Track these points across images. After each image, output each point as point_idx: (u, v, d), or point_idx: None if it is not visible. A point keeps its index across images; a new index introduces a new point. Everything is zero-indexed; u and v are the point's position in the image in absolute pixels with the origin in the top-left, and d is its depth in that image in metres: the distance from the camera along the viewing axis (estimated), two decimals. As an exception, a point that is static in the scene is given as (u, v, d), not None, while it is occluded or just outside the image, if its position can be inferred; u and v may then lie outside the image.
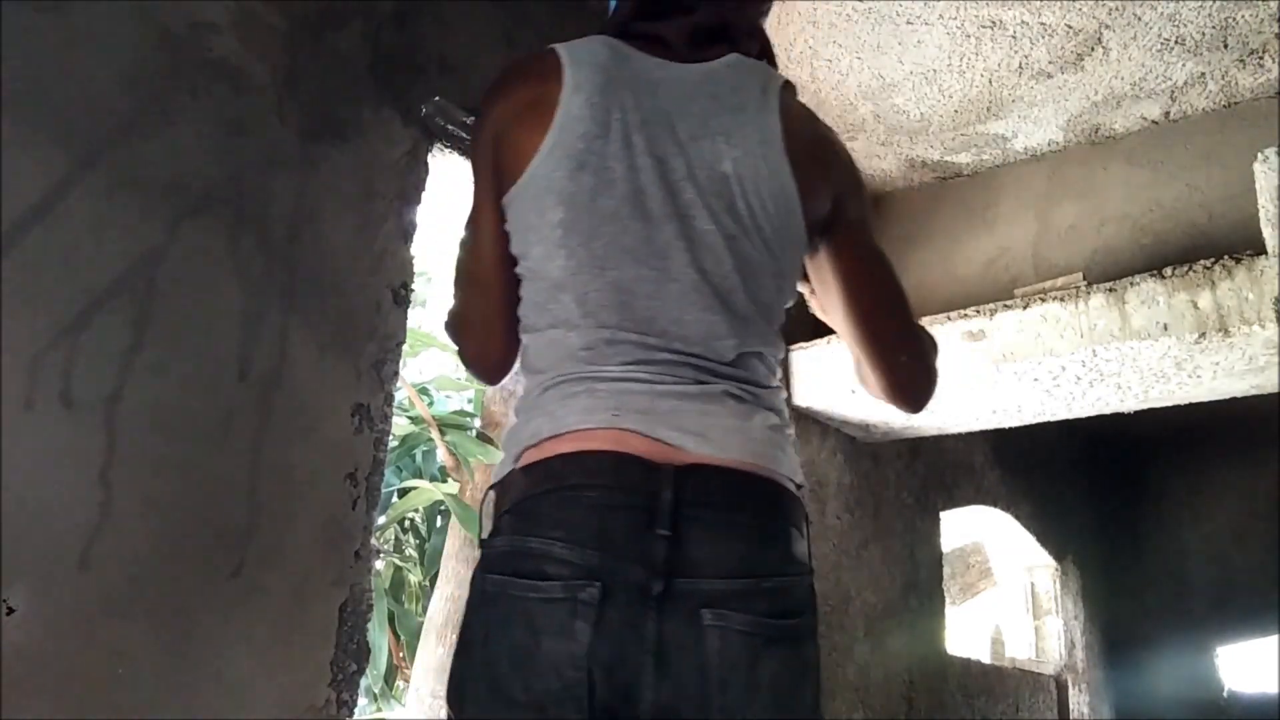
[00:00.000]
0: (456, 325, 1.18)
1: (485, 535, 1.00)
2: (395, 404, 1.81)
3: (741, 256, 1.04)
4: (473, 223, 1.13)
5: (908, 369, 1.19)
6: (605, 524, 0.91)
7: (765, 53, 1.22)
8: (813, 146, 1.13)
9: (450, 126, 1.91)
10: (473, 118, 1.59)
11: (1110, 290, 2.69)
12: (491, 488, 1.03)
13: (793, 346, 3.06)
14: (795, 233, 1.08)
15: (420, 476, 4.16)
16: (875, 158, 3.20)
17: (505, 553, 0.94)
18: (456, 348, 1.20)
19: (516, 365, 1.15)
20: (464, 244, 1.15)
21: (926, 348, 1.21)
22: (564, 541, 0.90)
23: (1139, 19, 2.51)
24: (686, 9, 1.14)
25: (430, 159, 1.91)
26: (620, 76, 1.07)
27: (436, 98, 1.88)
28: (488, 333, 1.13)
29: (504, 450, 1.04)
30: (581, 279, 1.01)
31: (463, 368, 1.23)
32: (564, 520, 0.92)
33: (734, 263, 1.03)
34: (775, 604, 0.92)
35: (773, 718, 0.90)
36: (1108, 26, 2.54)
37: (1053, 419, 3.32)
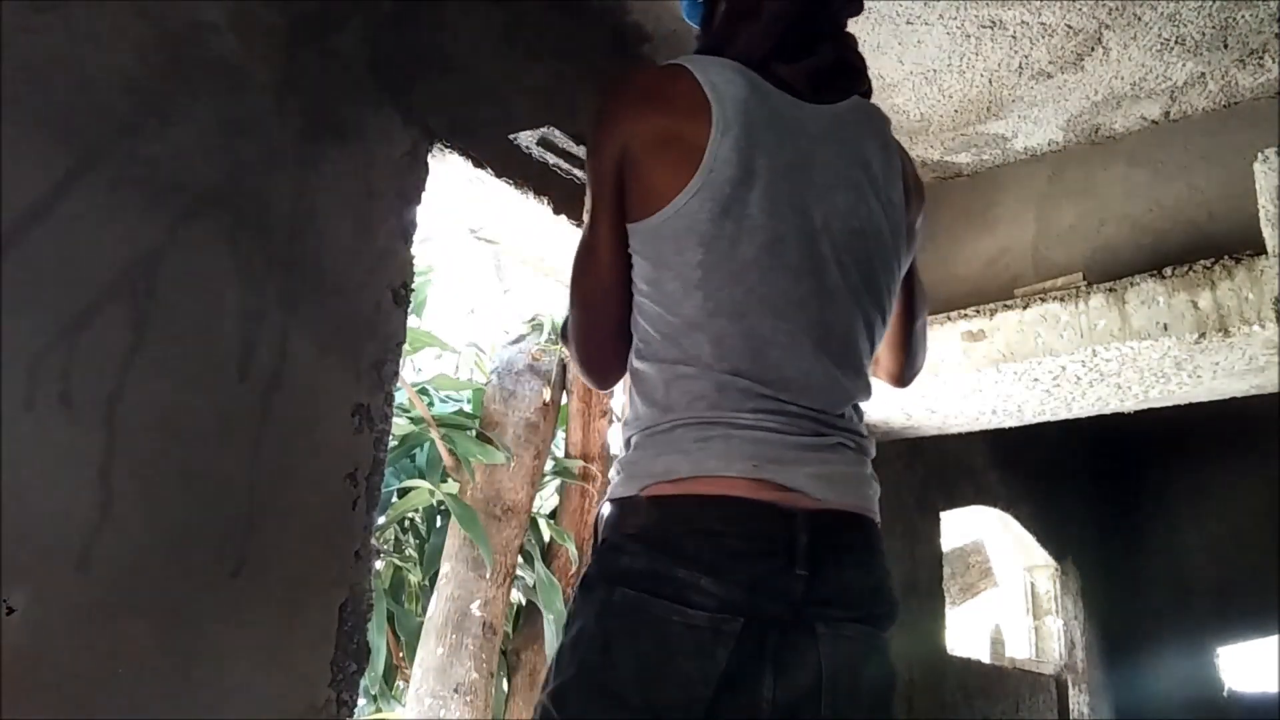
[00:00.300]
0: (573, 338, 1.20)
1: (602, 546, 1.07)
2: (395, 404, 1.81)
3: (863, 313, 1.13)
4: (593, 240, 1.14)
5: (921, 359, 1.45)
6: (750, 566, 1.00)
7: (868, 82, 1.25)
8: (913, 192, 1.25)
9: (552, 158, 1.84)
10: (581, 147, 1.52)
11: (1110, 290, 2.69)
12: (611, 502, 1.09)
13: (793, 346, 3.06)
14: (898, 284, 1.22)
15: (421, 477, 4.16)
16: (875, 158, 3.19)
17: (644, 572, 1.01)
18: (570, 353, 1.23)
19: (624, 384, 1.20)
20: (582, 261, 1.16)
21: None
22: (710, 576, 0.99)
23: (1139, 19, 2.50)
24: (810, 50, 1.16)
25: (430, 159, 1.92)
26: (762, 117, 1.09)
27: (545, 127, 1.80)
28: (603, 351, 1.17)
29: (624, 474, 1.09)
30: (718, 323, 1.06)
31: (577, 370, 1.25)
32: (707, 559, 1.00)
33: (856, 319, 1.13)
34: (878, 622, 1.08)
35: (873, 716, 1.04)
36: (1108, 26, 2.54)
37: (1053, 419, 3.32)
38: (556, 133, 1.88)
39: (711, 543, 1.01)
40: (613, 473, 1.12)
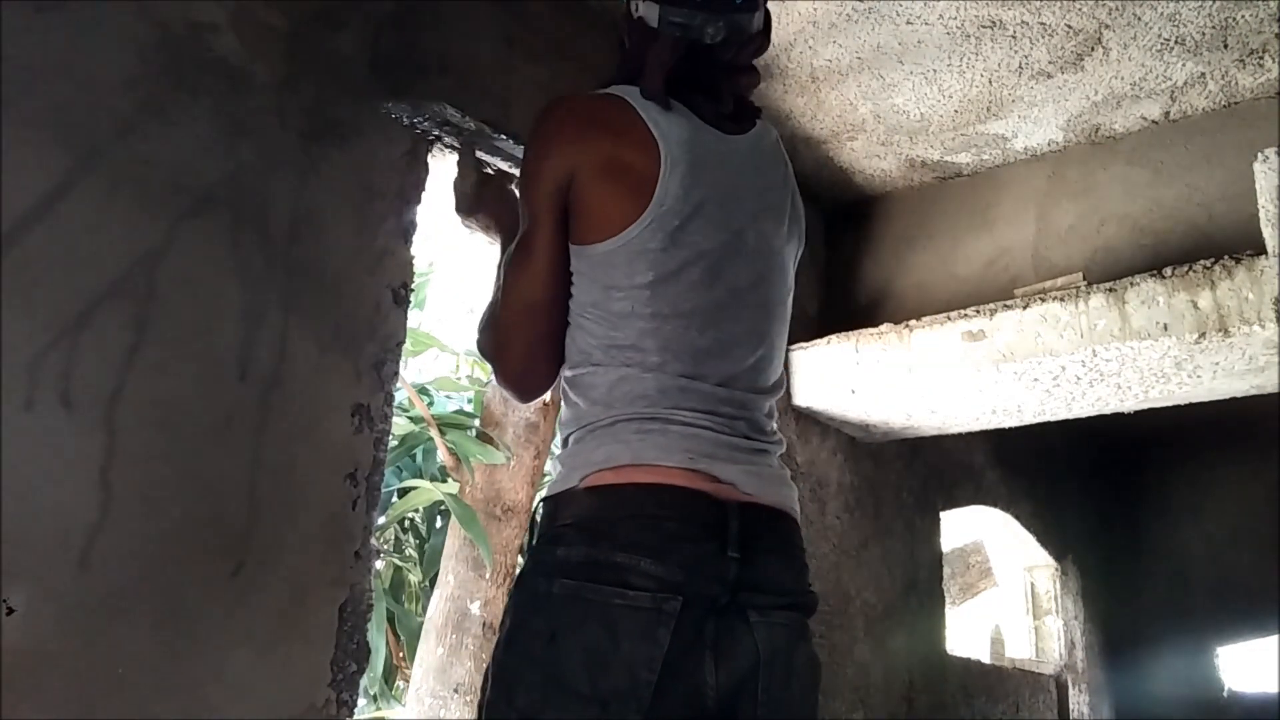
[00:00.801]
0: (498, 344, 1.21)
1: (538, 542, 1.12)
2: (395, 404, 1.81)
3: (782, 325, 1.26)
4: (530, 257, 1.18)
5: None
6: (686, 548, 1.06)
7: (759, 109, 1.34)
8: (800, 203, 1.35)
9: (438, 129, 1.86)
10: (465, 118, 1.62)
11: (1110, 290, 2.69)
12: (545, 499, 1.14)
13: (793, 347, 3.06)
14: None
15: (420, 476, 4.16)
16: (875, 158, 3.20)
17: (582, 562, 1.05)
18: (493, 365, 1.24)
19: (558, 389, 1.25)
20: (518, 270, 1.19)
21: None
22: (650, 558, 1.04)
23: (1139, 19, 2.50)
24: (709, 86, 1.25)
25: (430, 159, 1.92)
26: (700, 153, 1.19)
27: (437, 104, 1.81)
28: (533, 356, 1.20)
29: (563, 467, 1.15)
30: (662, 335, 1.15)
31: (501, 383, 1.26)
32: (646, 542, 1.05)
33: (780, 331, 1.26)
34: (803, 611, 1.16)
35: (806, 695, 1.13)
36: (1108, 26, 2.54)
37: (1053, 419, 3.32)
38: (451, 111, 1.87)
39: (649, 526, 1.06)
40: (550, 469, 1.18)
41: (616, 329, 1.15)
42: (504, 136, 1.82)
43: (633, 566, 1.03)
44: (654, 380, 1.13)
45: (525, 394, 1.26)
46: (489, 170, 1.62)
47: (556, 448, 1.39)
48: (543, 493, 1.16)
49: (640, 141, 1.16)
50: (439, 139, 1.87)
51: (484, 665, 3.49)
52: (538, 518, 1.15)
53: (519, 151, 1.93)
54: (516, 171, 1.59)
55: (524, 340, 1.19)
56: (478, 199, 1.52)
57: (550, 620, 1.04)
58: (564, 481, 1.13)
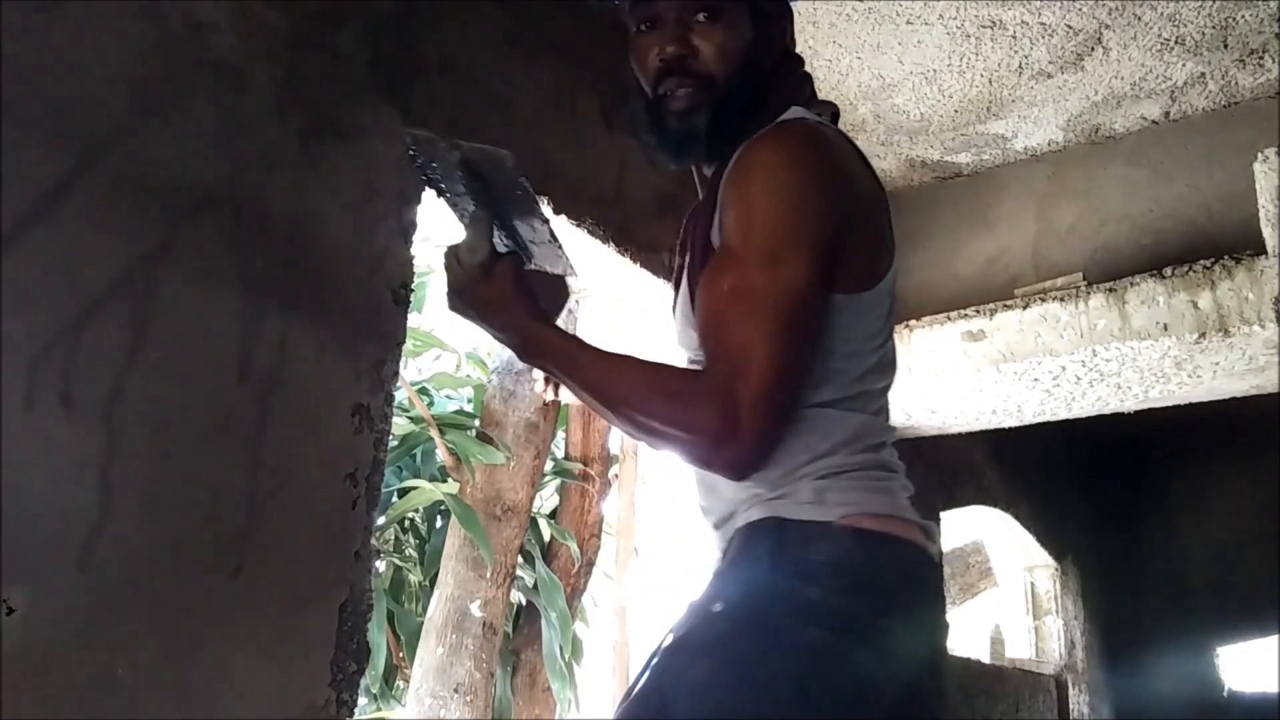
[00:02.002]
0: (762, 404, 1.01)
1: (777, 569, 1.03)
2: (395, 404, 1.81)
3: None
4: (807, 299, 1.04)
5: None
6: (935, 617, 1.10)
7: None
8: None
9: (434, 165, 1.24)
10: (455, 152, 1.18)
11: (1110, 290, 2.69)
12: (785, 522, 1.05)
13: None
14: None
15: (420, 476, 4.16)
16: (875, 158, 3.20)
17: (843, 613, 0.99)
18: (711, 444, 1.03)
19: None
20: (792, 317, 1.03)
21: None
22: (910, 627, 1.02)
23: (1139, 19, 2.50)
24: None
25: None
26: None
27: (423, 133, 1.23)
28: (782, 425, 1.06)
29: (808, 495, 1.06)
30: (880, 380, 1.16)
31: (718, 463, 1.05)
32: (905, 606, 1.04)
33: None
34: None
35: None
36: (1108, 26, 2.54)
37: (1053, 419, 3.32)
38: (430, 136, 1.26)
39: (909, 588, 1.05)
40: (782, 493, 1.07)
41: (854, 370, 1.11)
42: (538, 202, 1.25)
43: (893, 633, 1.00)
44: (878, 425, 1.14)
45: (753, 469, 1.05)
46: (504, 245, 1.23)
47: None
48: (762, 510, 1.06)
49: (878, 184, 1.19)
50: (447, 192, 1.29)
51: (484, 665, 3.51)
52: (753, 534, 1.06)
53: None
54: (536, 238, 1.24)
55: (779, 410, 1.03)
56: (485, 282, 1.20)
57: (799, 668, 0.96)
58: (813, 512, 1.04)
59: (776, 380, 1.02)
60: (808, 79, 1.30)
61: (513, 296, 1.19)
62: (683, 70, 1.18)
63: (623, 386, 1.10)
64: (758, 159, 1.10)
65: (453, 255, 1.22)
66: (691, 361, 1.23)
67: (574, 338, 1.19)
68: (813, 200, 1.07)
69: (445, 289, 1.24)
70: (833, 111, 1.27)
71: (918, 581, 1.07)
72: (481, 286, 1.20)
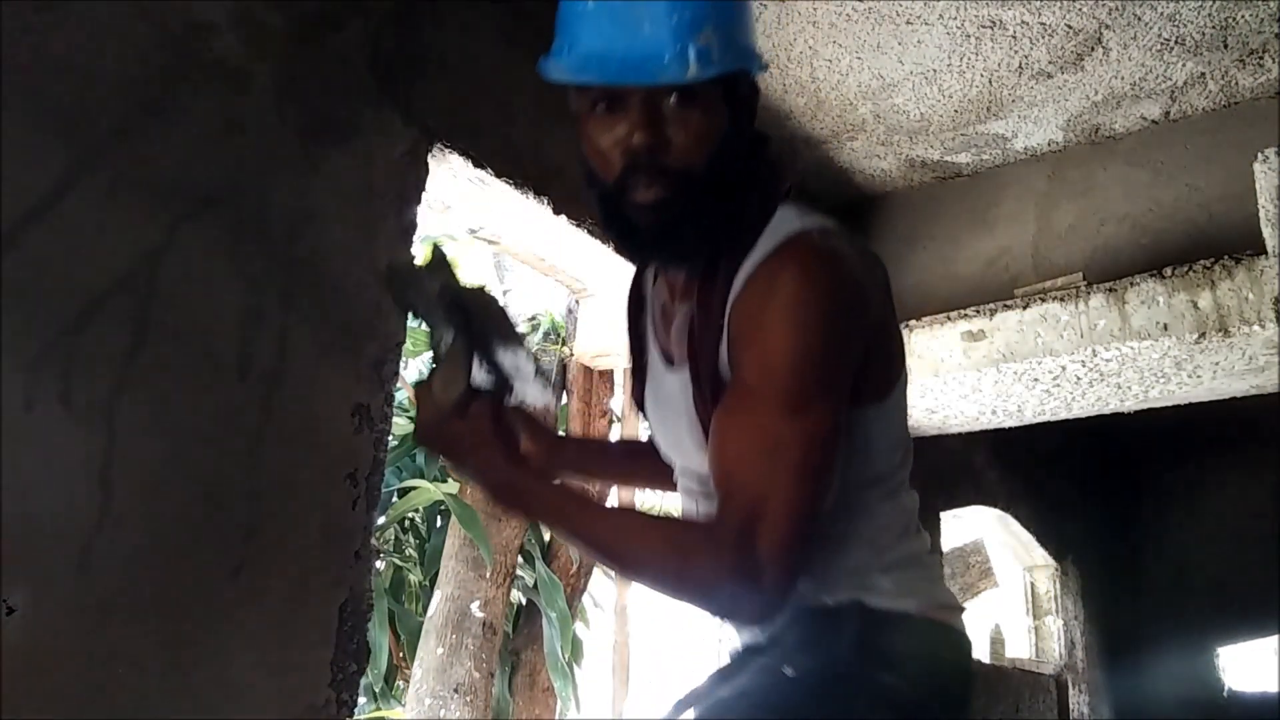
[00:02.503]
0: (789, 543, 0.98)
1: (859, 652, 1.07)
2: (395, 404, 1.81)
3: None
4: (831, 437, 1.01)
5: None
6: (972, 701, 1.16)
7: None
8: None
9: (412, 294, 1.17)
10: (436, 283, 1.10)
11: (1110, 290, 2.69)
12: (866, 609, 1.10)
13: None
14: None
15: (420, 476, 4.16)
16: (875, 158, 3.20)
17: (920, 705, 1.06)
18: (741, 586, 0.98)
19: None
20: (818, 461, 1.00)
21: None
22: (961, 713, 1.12)
23: (1139, 19, 2.50)
24: None
25: (430, 159, 1.92)
26: None
27: (403, 262, 1.22)
28: (807, 552, 1.03)
29: (888, 584, 1.11)
30: (910, 457, 1.18)
31: (752, 614, 1.05)
32: (967, 700, 1.13)
33: None
34: None
35: None
36: (1108, 26, 2.54)
37: (1053, 419, 3.32)
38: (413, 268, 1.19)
39: (967, 679, 1.14)
40: (863, 582, 1.11)
41: (893, 460, 1.15)
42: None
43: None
44: (916, 505, 1.18)
45: (776, 614, 1.04)
46: (483, 375, 1.13)
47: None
48: (843, 595, 1.10)
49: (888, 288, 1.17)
50: (425, 319, 1.20)
51: (484, 665, 3.50)
52: (838, 615, 1.09)
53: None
54: (520, 371, 1.15)
55: (799, 559, 0.99)
56: (460, 421, 1.10)
57: None
58: (894, 603, 1.09)
59: (798, 532, 0.98)
60: (780, 165, 1.21)
61: (489, 440, 1.10)
62: (652, 166, 1.04)
63: (626, 543, 1.04)
64: (779, 290, 1.02)
65: (426, 388, 1.13)
66: (684, 471, 1.23)
67: (558, 488, 1.11)
68: (837, 337, 1.02)
69: (416, 423, 1.14)
70: (791, 185, 1.20)
71: (970, 672, 1.15)
72: (456, 425, 1.11)
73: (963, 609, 1.18)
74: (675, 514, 1.29)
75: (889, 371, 1.13)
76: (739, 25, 1.08)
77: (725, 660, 1.25)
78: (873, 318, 1.08)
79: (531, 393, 1.16)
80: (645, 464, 1.37)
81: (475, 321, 1.10)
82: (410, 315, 1.17)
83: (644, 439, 1.42)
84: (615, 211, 1.08)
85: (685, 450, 1.19)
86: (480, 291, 1.09)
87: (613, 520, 1.08)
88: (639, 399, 1.31)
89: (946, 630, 1.12)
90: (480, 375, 1.12)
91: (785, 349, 1.00)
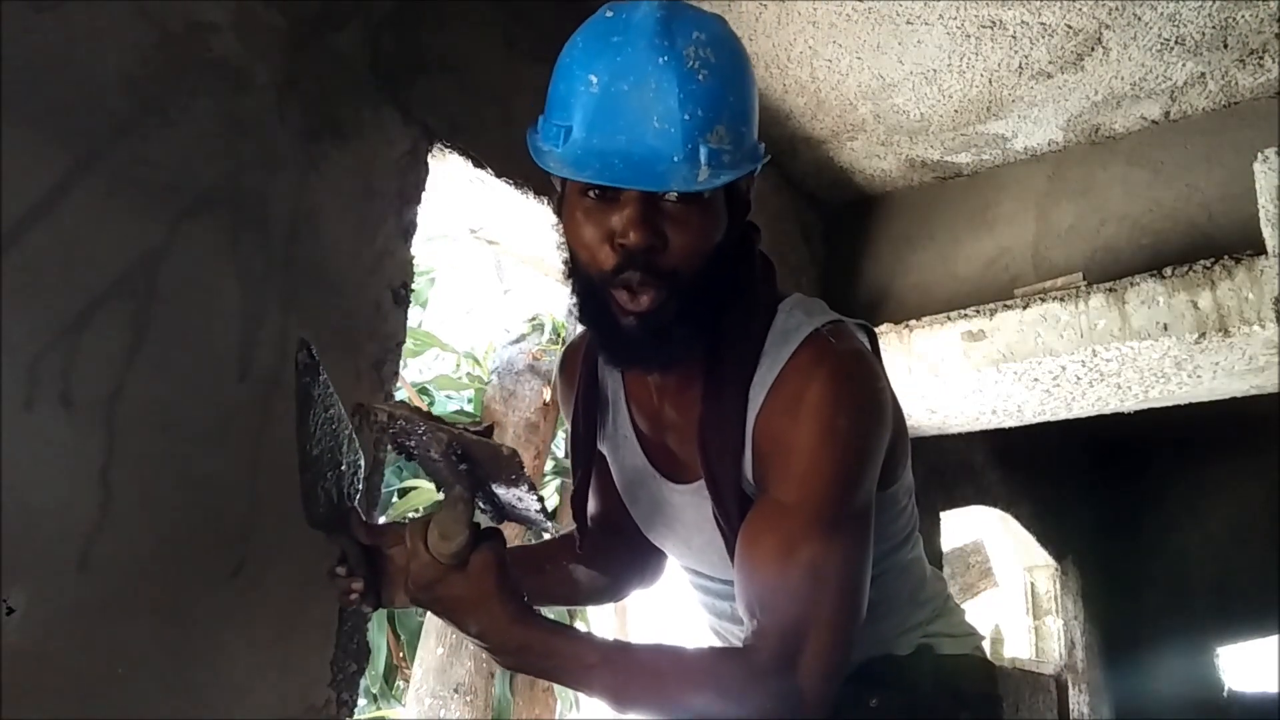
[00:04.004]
0: (843, 667, 0.99)
1: (934, 694, 1.16)
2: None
3: None
4: (868, 558, 1.00)
5: None
6: None
7: None
8: None
9: (410, 439, 1.00)
10: (442, 435, 0.95)
11: (1110, 290, 2.69)
12: (939, 656, 1.19)
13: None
14: None
15: (420, 476, 4.16)
16: (875, 158, 3.20)
17: None
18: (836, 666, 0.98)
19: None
20: (858, 581, 0.99)
21: None
22: None
23: (1139, 19, 2.50)
24: None
25: (430, 159, 1.92)
26: None
27: (397, 408, 1.00)
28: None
29: (943, 628, 1.23)
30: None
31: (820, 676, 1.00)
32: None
33: None
34: None
35: None
36: (1108, 26, 2.54)
37: (1053, 419, 3.32)
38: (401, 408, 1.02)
39: (1002, 705, 1.28)
40: (930, 631, 1.21)
41: (915, 521, 1.24)
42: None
43: None
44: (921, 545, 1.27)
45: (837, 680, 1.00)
46: (487, 522, 1.00)
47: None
48: (912, 644, 1.19)
49: None
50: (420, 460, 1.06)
51: (484, 665, 3.49)
52: (914, 660, 1.18)
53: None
54: (520, 508, 1.00)
55: (839, 676, 0.99)
56: (459, 575, 0.96)
57: None
58: (954, 646, 1.21)
59: (840, 654, 0.96)
60: (769, 264, 1.13)
61: (493, 597, 0.96)
62: (648, 266, 0.94)
63: (657, 690, 0.96)
64: (808, 404, 0.97)
65: (419, 538, 0.96)
66: (699, 573, 1.21)
67: (576, 641, 0.99)
68: (871, 450, 1.00)
69: (409, 577, 0.98)
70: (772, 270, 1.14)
71: (1000, 699, 1.27)
72: (455, 581, 0.96)
73: (982, 637, 1.30)
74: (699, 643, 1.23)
75: (901, 456, 1.13)
76: (751, 120, 0.99)
77: None
78: (893, 416, 1.05)
79: (529, 522, 1.03)
80: (596, 561, 1.27)
81: (480, 469, 0.96)
82: (400, 452, 1.03)
83: (578, 529, 1.25)
84: (600, 310, 0.99)
85: (707, 561, 1.15)
86: (493, 447, 0.94)
87: (642, 667, 0.98)
88: (583, 505, 1.21)
89: (989, 665, 1.26)
90: (478, 513, 0.99)
91: (822, 469, 0.96)
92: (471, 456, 0.94)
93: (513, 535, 3.47)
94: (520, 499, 0.97)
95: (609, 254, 0.95)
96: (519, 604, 0.97)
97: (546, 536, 1.25)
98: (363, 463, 1.10)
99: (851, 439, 0.97)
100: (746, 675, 0.94)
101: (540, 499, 0.97)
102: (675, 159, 0.91)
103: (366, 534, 1.06)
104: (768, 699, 0.92)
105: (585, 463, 1.19)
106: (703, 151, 0.91)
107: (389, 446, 1.01)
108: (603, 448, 1.23)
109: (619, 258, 0.95)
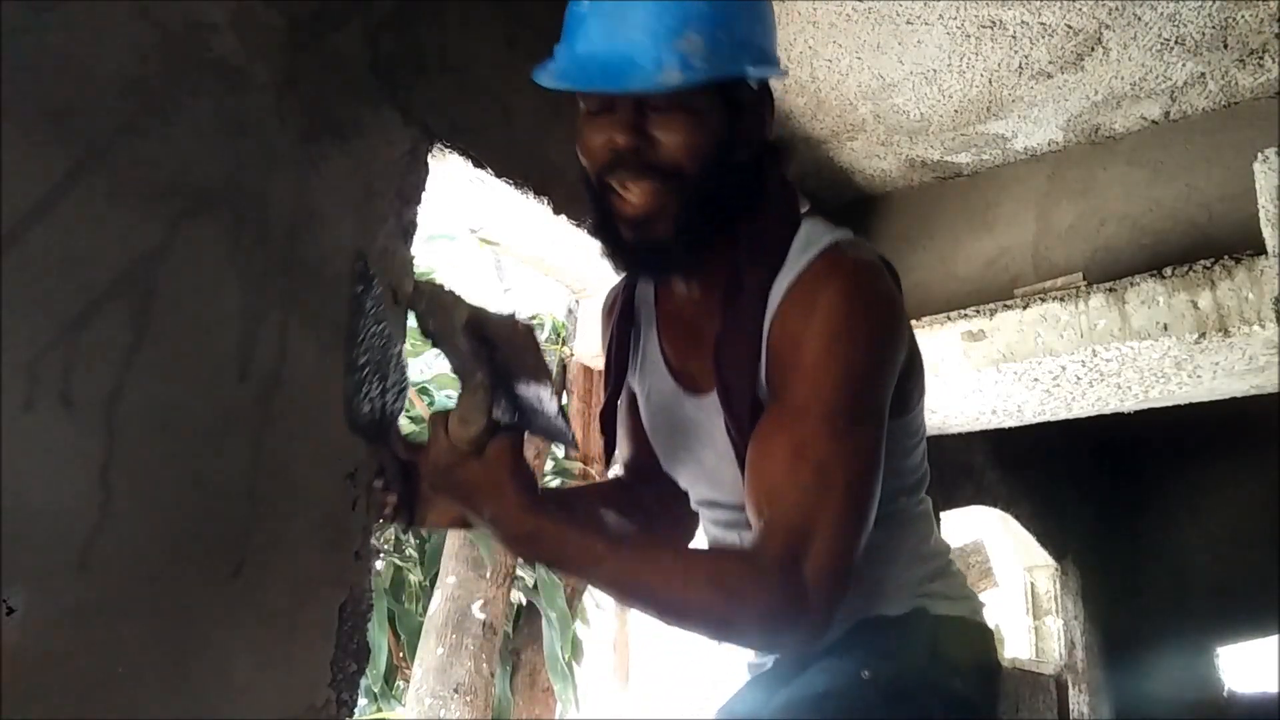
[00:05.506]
0: (849, 573, 0.96)
1: (929, 657, 1.12)
2: (395, 404, 1.80)
3: None
4: (878, 459, 1.00)
5: None
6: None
7: None
8: None
9: (434, 318, 1.05)
10: (461, 309, 0.99)
11: (1110, 290, 2.69)
12: (936, 617, 1.15)
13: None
14: None
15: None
16: (875, 158, 3.20)
17: (975, 706, 1.13)
18: (784, 622, 0.95)
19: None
20: (868, 479, 0.99)
21: None
22: (998, 709, 1.19)
23: (1139, 19, 2.50)
24: None
25: (430, 159, 1.92)
26: None
27: (429, 286, 1.04)
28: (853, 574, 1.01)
29: (940, 588, 1.19)
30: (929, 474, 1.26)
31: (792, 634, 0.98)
32: (999, 694, 1.21)
33: None
34: None
35: None
36: (1108, 26, 2.54)
37: (1053, 419, 3.32)
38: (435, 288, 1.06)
39: (1001, 675, 1.24)
40: (926, 591, 1.17)
41: (924, 467, 1.23)
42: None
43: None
44: (930, 502, 1.24)
45: (823, 635, 0.98)
46: (500, 411, 1.03)
47: (558, 448, 1.25)
48: (908, 604, 1.14)
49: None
50: (446, 347, 1.10)
51: (484, 665, 3.50)
52: (907, 623, 1.13)
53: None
54: (543, 408, 1.02)
55: (846, 580, 0.96)
56: (476, 462, 1.01)
57: None
58: (951, 608, 1.17)
59: (845, 557, 0.95)
60: (791, 189, 1.17)
61: (507, 483, 1.00)
62: (637, 162, 1.02)
63: (664, 584, 0.98)
64: (822, 307, 1.00)
65: (440, 425, 1.03)
66: (712, 504, 1.21)
67: (584, 532, 1.02)
68: (883, 355, 1.02)
69: (426, 464, 1.04)
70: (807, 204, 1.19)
71: (1001, 666, 1.26)
72: (471, 466, 1.01)
73: (983, 603, 1.25)
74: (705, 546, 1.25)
75: (916, 382, 1.13)
76: (737, 27, 1.03)
77: (758, 665, 1.24)
78: (907, 333, 1.08)
79: (551, 430, 1.07)
80: (627, 508, 1.31)
81: (500, 354, 1.00)
82: (431, 343, 1.08)
83: (614, 477, 1.38)
84: (604, 217, 1.06)
85: (719, 482, 1.15)
86: (510, 321, 0.98)
87: (648, 561, 1.00)
88: (613, 420, 1.25)
89: (987, 631, 1.22)
90: (499, 411, 1.02)
91: (833, 368, 0.98)
92: (490, 337, 0.98)
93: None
94: (541, 400, 1.00)
95: (604, 157, 1.03)
96: (532, 493, 1.00)
97: (566, 439, 1.27)
98: (408, 384, 1.13)
99: (862, 341, 0.99)
100: (751, 572, 0.94)
101: (562, 407, 1.02)
102: (643, 63, 0.98)
103: (405, 449, 1.10)
104: (771, 596, 0.92)
105: (617, 382, 1.25)
106: (670, 56, 0.98)
107: (420, 328, 1.05)
108: (633, 382, 1.27)
109: (610, 156, 1.03)
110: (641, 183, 1.02)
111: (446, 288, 1.03)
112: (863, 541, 0.97)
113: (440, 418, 1.03)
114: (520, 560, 1.19)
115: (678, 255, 1.07)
